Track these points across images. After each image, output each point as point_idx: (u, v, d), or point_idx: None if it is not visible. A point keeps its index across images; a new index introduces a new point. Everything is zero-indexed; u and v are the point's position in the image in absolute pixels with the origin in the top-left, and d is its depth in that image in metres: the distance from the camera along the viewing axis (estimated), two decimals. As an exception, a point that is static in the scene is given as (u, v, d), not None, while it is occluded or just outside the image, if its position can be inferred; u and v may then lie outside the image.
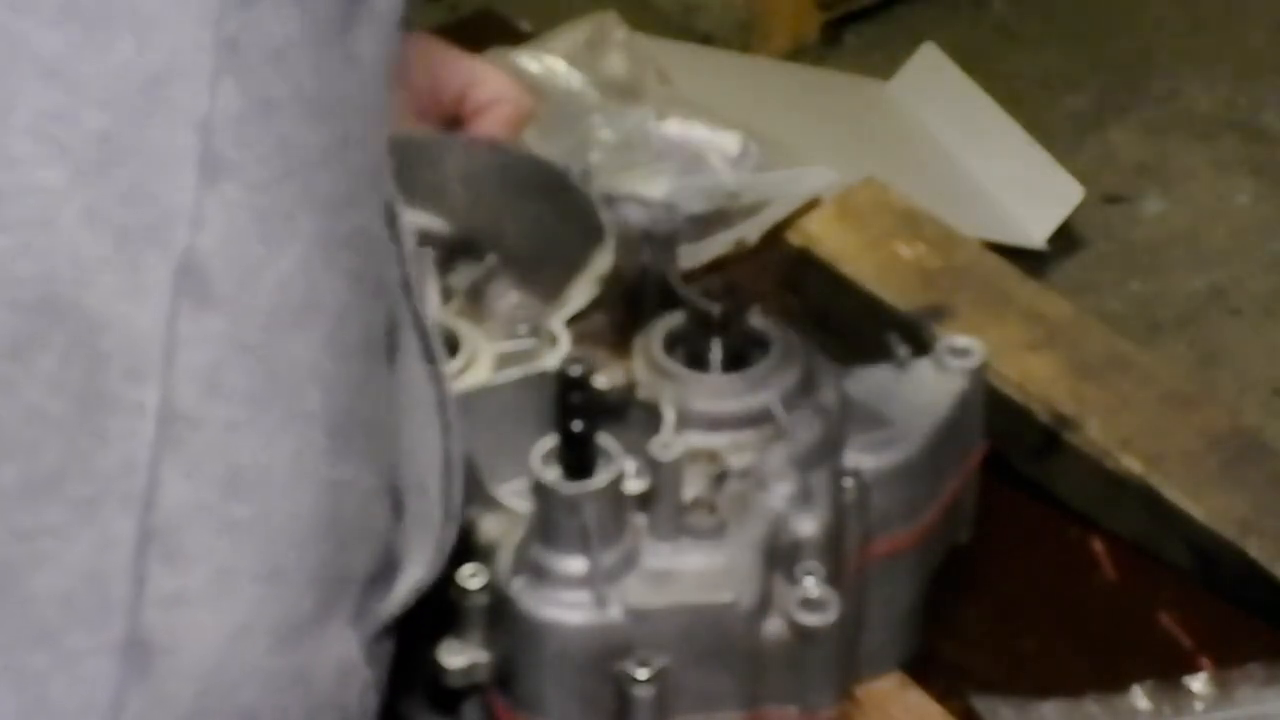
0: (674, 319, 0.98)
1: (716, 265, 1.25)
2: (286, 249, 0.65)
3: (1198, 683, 1.01)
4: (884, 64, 2.55)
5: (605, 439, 0.89)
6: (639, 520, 0.90)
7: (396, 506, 0.74)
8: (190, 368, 0.63)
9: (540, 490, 0.88)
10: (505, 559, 0.90)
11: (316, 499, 0.67)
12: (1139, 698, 1.00)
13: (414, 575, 0.77)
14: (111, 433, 0.63)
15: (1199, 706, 1.00)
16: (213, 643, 0.64)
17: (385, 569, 0.73)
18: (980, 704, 1.01)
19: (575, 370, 0.88)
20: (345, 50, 0.69)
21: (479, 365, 0.97)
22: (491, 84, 1.11)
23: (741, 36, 2.70)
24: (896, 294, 1.18)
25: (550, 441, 0.88)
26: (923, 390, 1.00)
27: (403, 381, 0.76)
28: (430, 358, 0.76)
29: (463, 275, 1.03)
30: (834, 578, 0.92)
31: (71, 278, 0.62)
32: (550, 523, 0.88)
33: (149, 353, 0.63)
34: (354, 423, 0.69)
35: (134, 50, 0.63)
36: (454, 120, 1.11)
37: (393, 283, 0.73)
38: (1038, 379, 1.13)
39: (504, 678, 0.91)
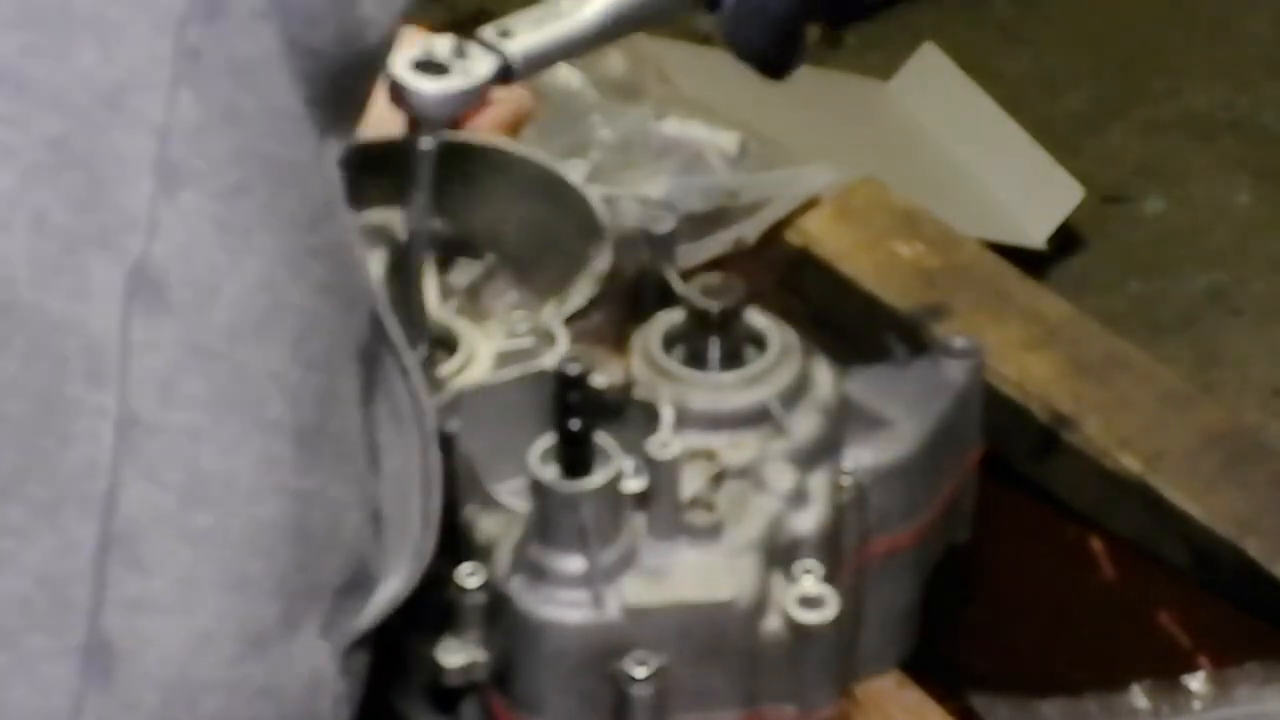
0: (672, 317, 0.98)
1: (715, 264, 1.25)
2: (249, 258, 0.65)
3: (1196, 682, 1.01)
4: (884, 64, 2.55)
5: (603, 438, 0.89)
6: (637, 519, 0.90)
7: (373, 519, 0.73)
8: (145, 373, 0.63)
9: (538, 489, 0.88)
10: (503, 558, 0.90)
11: (282, 508, 0.66)
12: (1138, 697, 1.01)
13: (392, 587, 0.76)
14: (73, 435, 0.62)
15: (1197, 705, 1.00)
16: (175, 650, 0.63)
17: (359, 580, 0.73)
18: (979, 703, 1.01)
19: (573, 369, 0.88)
20: (330, 65, 0.68)
21: (477, 364, 0.97)
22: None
23: None
24: (895, 293, 1.18)
25: (548, 440, 0.88)
26: (921, 389, 1.00)
27: (387, 393, 0.76)
28: (403, 370, 0.76)
29: (461, 274, 1.03)
30: (832, 576, 0.92)
31: (30, 280, 0.62)
32: (548, 522, 0.88)
33: (106, 357, 0.63)
34: (321, 433, 0.68)
35: (96, 59, 0.63)
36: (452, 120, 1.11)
37: (370, 295, 0.73)
38: (1036, 378, 1.13)
39: (502, 677, 0.91)
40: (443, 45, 0.90)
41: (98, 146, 0.63)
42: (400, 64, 0.88)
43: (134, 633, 0.63)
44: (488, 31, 0.91)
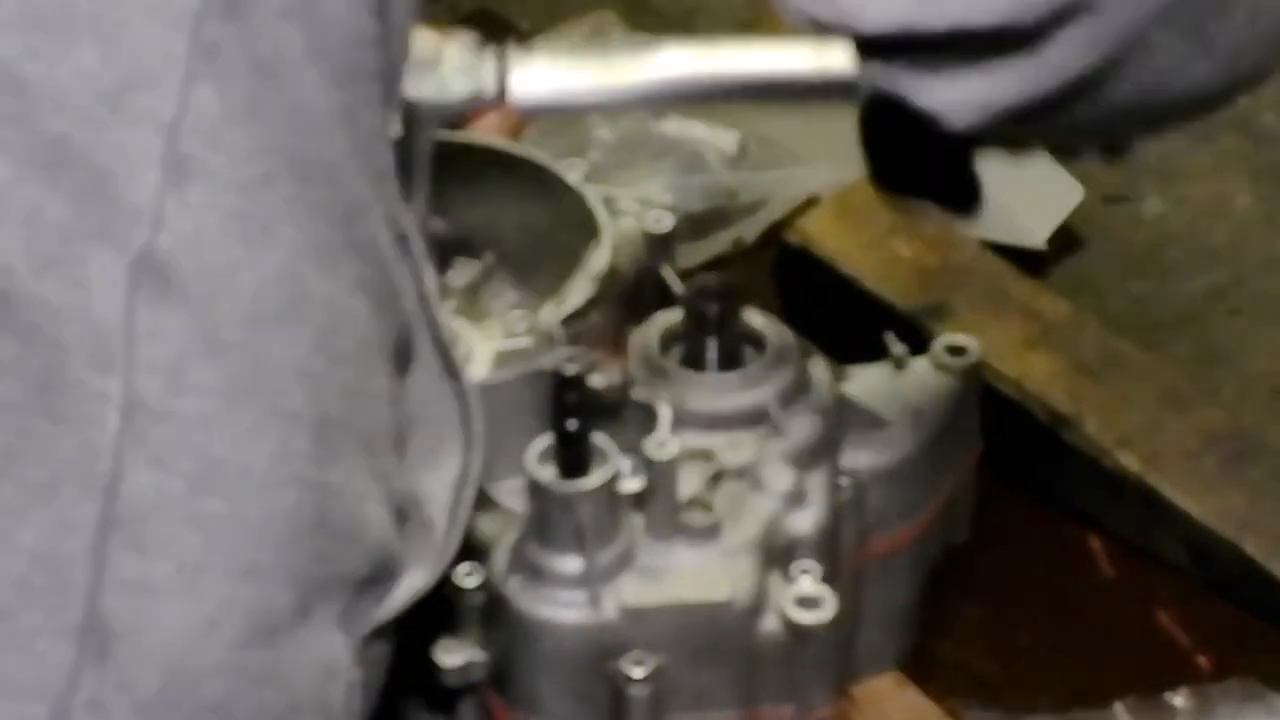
0: (670, 318, 0.98)
1: (714, 264, 1.25)
2: (269, 250, 0.66)
3: (1179, 698, 1.01)
4: (884, 64, 2.54)
5: (601, 438, 0.89)
6: (634, 519, 0.90)
7: (399, 513, 0.74)
8: (152, 360, 0.64)
9: (536, 489, 0.88)
10: (501, 558, 0.90)
11: (300, 499, 0.67)
12: (1121, 715, 1.00)
13: (414, 581, 0.77)
14: (73, 418, 0.63)
15: (1179, 723, 1.01)
16: (177, 633, 0.64)
17: (382, 573, 0.73)
18: (971, 718, 1.01)
19: (571, 369, 0.88)
20: (358, 68, 0.69)
21: (475, 364, 0.97)
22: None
23: (741, 36, 2.70)
24: (894, 293, 1.18)
25: (546, 440, 0.88)
26: (920, 389, 1.00)
27: (416, 395, 0.76)
28: (453, 374, 0.77)
29: (460, 274, 1.03)
30: (830, 576, 0.92)
31: (28, 270, 0.63)
32: (546, 522, 0.88)
33: (110, 344, 0.64)
34: (346, 428, 0.69)
35: (96, 59, 0.64)
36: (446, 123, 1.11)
37: (408, 296, 0.73)
38: (1035, 378, 1.13)
39: (500, 676, 0.91)
40: (455, 47, 0.89)
41: (99, 144, 0.64)
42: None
43: (134, 614, 0.63)
44: (512, 48, 0.89)
